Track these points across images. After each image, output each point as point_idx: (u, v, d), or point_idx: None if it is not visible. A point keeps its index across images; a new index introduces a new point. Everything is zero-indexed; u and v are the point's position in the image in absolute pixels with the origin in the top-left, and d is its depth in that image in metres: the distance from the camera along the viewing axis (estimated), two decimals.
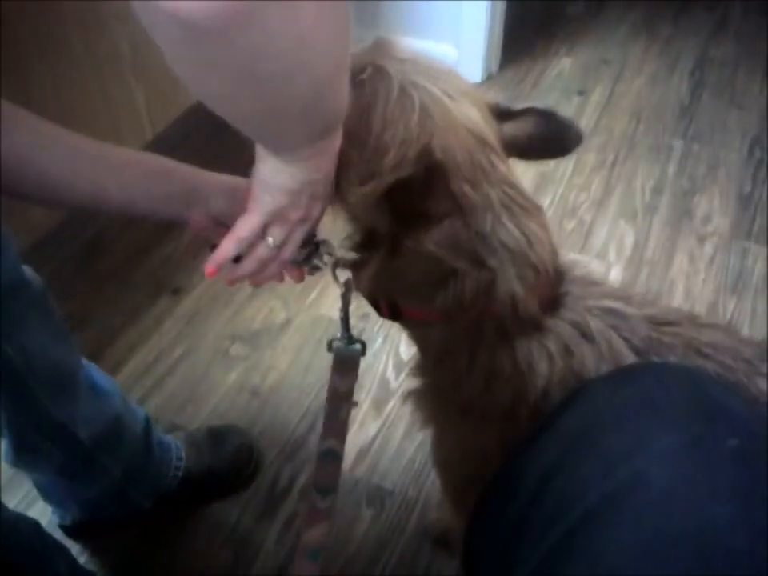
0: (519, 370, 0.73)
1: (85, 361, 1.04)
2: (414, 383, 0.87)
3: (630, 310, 0.75)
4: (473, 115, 0.69)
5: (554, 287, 0.75)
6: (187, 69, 0.51)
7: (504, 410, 0.76)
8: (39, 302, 0.90)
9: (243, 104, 0.54)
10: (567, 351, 0.73)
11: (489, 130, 0.71)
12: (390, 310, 0.80)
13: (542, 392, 0.73)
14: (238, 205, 0.73)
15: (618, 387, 0.67)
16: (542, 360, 0.73)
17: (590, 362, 0.72)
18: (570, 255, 1.64)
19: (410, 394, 0.87)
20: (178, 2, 0.42)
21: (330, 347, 0.87)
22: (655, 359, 0.73)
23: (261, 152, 0.65)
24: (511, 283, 0.70)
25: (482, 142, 0.69)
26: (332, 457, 0.84)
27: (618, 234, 1.76)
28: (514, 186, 0.71)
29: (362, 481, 1.28)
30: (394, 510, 1.24)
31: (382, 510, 1.24)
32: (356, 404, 1.36)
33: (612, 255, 1.71)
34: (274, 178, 0.66)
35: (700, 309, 1.57)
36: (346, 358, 0.86)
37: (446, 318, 0.74)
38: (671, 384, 0.64)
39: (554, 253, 0.75)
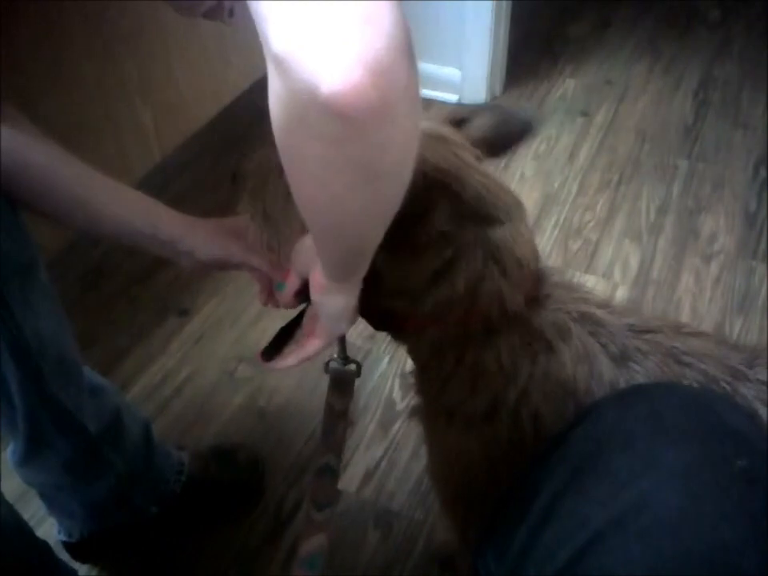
0: (504, 367, 0.74)
1: None
2: (415, 400, 0.88)
3: (608, 317, 0.77)
4: (425, 122, 0.71)
5: (536, 286, 0.76)
6: (317, 170, 0.48)
7: (486, 413, 0.77)
8: (48, 290, 0.91)
9: (354, 207, 0.52)
10: (550, 350, 0.74)
11: (446, 129, 0.73)
12: (383, 318, 0.80)
13: (521, 392, 0.74)
14: (223, 249, 0.85)
15: (625, 407, 0.67)
16: (526, 357, 0.74)
17: (569, 363, 0.73)
18: (576, 276, 1.65)
19: (413, 410, 0.89)
20: (335, 92, 0.40)
21: (326, 368, 0.89)
22: (633, 366, 0.73)
23: (329, 289, 0.70)
24: (497, 279, 0.71)
25: (442, 139, 0.71)
26: (329, 472, 0.85)
27: (623, 253, 1.77)
28: (487, 175, 0.72)
29: (369, 503, 1.27)
30: (402, 533, 1.23)
31: (389, 532, 1.23)
32: (352, 422, 1.37)
33: (618, 275, 1.71)
34: (345, 310, 0.73)
35: (707, 328, 1.56)
36: (342, 378, 0.88)
37: (435, 319, 0.74)
38: (679, 404, 0.64)
39: (536, 251, 0.77)
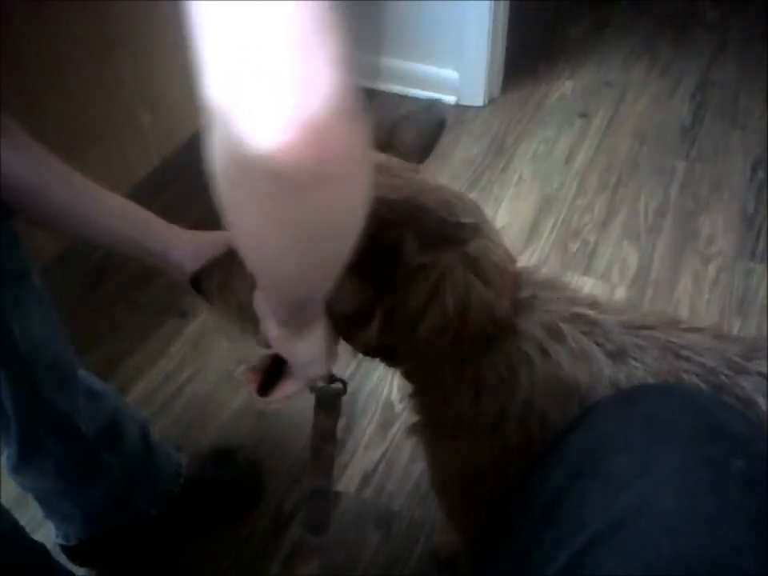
0: (502, 376, 0.74)
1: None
2: (413, 417, 0.87)
3: (600, 316, 0.77)
4: None
5: (517, 288, 0.76)
6: (254, 228, 0.47)
7: (491, 423, 0.76)
8: (41, 295, 0.91)
9: (292, 266, 0.52)
10: (544, 353, 0.74)
11: (380, 156, 0.74)
12: (376, 350, 0.79)
13: (526, 397, 0.74)
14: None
15: (623, 409, 0.67)
16: (521, 363, 0.74)
17: (566, 364, 0.73)
18: (575, 277, 1.66)
19: (412, 428, 0.88)
20: (268, 151, 0.39)
21: (311, 388, 0.87)
22: (632, 362, 0.73)
23: (286, 338, 0.69)
24: (482, 290, 0.71)
25: (381, 169, 0.71)
26: (320, 495, 0.84)
27: (621, 255, 1.77)
28: (440, 188, 0.73)
29: (369, 504, 1.27)
30: (401, 533, 1.23)
31: (388, 533, 1.23)
32: (340, 440, 1.33)
33: (616, 276, 1.71)
34: (314, 355, 0.72)
35: None
36: (328, 397, 0.87)
37: (431, 342, 0.74)
38: (676, 406, 0.64)
39: (509, 252, 0.77)
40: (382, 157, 0.75)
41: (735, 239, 1.80)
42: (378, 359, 0.84)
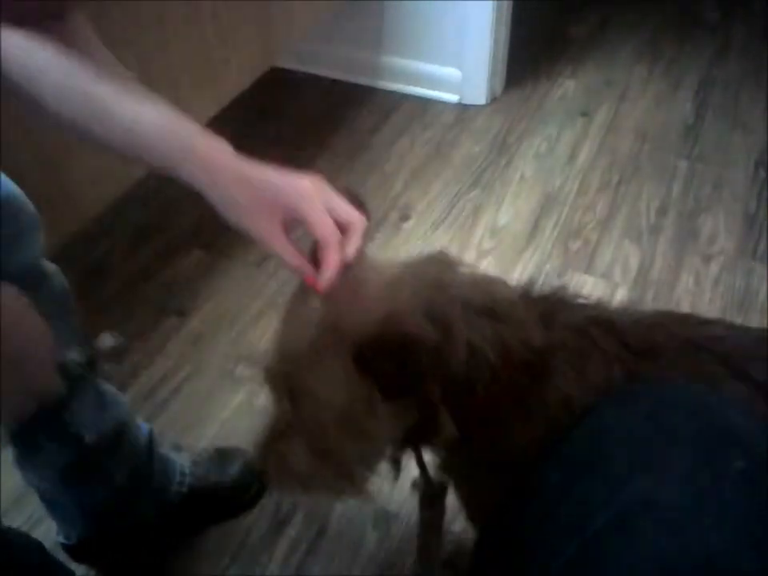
0: (554, 396, 0.73)
1: None
2: (440, 458, 0.86)
3: (617, 316, 0.76)
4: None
5: (533, 310, 0.75)
6: None
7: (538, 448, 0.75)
8: (60, 298, 0.90)
9: None
10: (587, 357, 0.73)
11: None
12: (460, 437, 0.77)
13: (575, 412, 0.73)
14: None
15: (624, 407, 0.67)
16: (568, 372, 0.73)
17: (606, 366, 0.73)
18: (576, 276, 1.65)
19: (443, 466, 0.87)
20: None
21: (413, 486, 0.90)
22: (657, 360, 0.73)
23: None
24: (509, 330, 0.71)
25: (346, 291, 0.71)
26: None
27: (623, 254, 1.76)
28: (415, 273, 0.74)
29: (367, 504, 1.27)
30: (400, 533, 1.23)
31: (387, 533, 1.23)
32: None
33: (617, 276, 1.70)
34: None
35: None
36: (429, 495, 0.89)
37: (493, 392, 0.73)
38: (678, 404, 0.64)
39: (501, 279, 0.77)
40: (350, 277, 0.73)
41: (737, 238, 1.80)
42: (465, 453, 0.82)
